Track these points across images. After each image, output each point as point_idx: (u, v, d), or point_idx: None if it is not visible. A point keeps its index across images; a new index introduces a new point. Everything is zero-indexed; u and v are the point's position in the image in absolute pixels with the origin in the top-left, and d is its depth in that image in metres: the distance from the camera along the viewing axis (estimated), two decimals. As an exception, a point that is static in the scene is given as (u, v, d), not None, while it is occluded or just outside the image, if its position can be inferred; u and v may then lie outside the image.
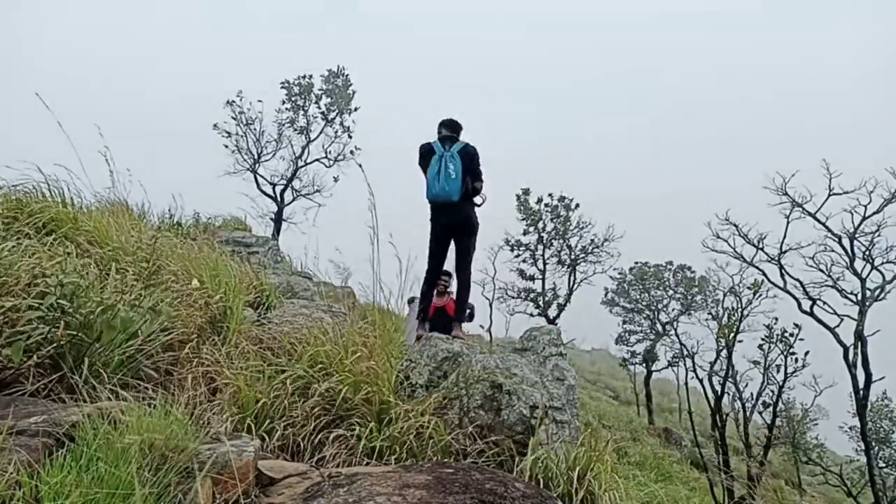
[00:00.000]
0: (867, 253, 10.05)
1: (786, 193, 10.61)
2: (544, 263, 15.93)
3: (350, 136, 16.08)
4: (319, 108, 16.04)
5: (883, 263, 9.98)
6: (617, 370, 22.50)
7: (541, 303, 15.65)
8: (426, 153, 3.99)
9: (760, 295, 11.85)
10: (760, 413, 11.12)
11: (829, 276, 10.43)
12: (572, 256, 15.85)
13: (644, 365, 17.97)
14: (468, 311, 5.09)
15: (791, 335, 10.78)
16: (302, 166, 15.88)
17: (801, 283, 10.71)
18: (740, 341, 11.66)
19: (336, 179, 15.87)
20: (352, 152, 15.92)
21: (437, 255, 4.11)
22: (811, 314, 10.45)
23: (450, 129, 4.08)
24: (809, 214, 10.47)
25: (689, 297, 17.42)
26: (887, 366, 9.85)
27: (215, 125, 15.11)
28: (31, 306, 2.06)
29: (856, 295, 10.06)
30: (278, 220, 15.39)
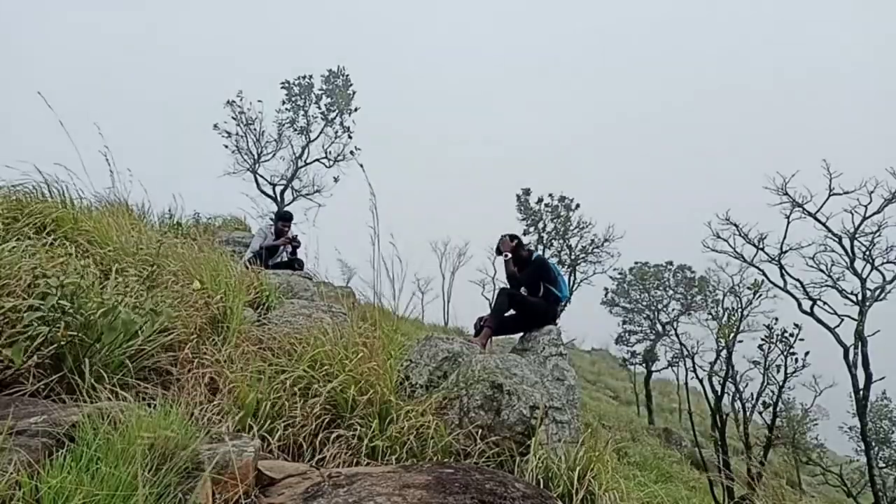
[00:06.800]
0: (867, 253, 10.05)
1: (786, 193, 10.61)
2: (544, 263, 15.92)
3: (350, 137, 16.12)
4: (319, 108, 16.07)
5: (883, 263, 9.98)
6: (617, 370, 22.49)
7: (541, 303, 15.62)
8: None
9: (760, 295, 11.84)
10: (760, 413, 11.10)
11: (829, 276, 10.43)
12: (572, 257, 15.86)
13: (644, 365, 17.96)
14: None
15: (791, 335, 10.77)
16: (302, 166, 15.92)
17: (801, 283, 10.70)
18: (740, 341, 11.63)
19: (336, 179, 15.92)
20: (352, 152, 15.96)
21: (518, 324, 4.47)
22: (811, 314, 10.44)
23: None
24: (810, 214, 10.47)
25: (689, 298, 17.43)
26: (887, 366, 9.85)
27: (215, 125, 15.15)
28: (31, 307, 2.06)
29: (856, 295, 10.06)
30: (278, 220, 15.39)
